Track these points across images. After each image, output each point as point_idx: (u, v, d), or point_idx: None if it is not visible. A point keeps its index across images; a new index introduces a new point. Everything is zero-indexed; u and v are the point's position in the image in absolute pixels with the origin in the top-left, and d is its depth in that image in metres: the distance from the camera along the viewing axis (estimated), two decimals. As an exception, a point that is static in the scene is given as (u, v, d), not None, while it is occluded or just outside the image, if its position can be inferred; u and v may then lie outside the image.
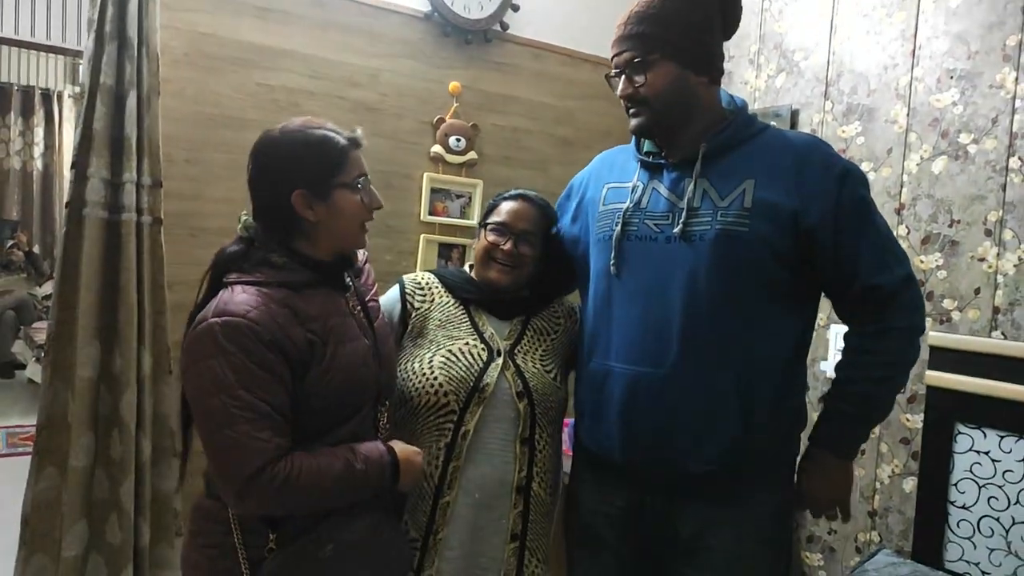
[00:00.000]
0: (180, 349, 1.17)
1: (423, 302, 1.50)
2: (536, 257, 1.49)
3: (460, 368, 1.40)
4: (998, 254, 1.85)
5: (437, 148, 2.46)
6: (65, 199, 1.85)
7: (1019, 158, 1.82)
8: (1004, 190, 1.85)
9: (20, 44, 3.66)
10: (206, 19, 2.07)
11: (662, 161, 1.35)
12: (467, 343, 1.44)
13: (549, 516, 1.48)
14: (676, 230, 1.27)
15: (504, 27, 2.54)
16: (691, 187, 1.28)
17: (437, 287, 1.53)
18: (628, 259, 1.33)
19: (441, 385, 1.39)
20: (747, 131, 1.32)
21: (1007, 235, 1.84)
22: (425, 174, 2.44)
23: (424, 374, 1.40)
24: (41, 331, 5.59)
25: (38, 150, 6.86)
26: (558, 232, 1.54)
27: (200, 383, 1.09)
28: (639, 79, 1.29)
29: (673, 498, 1.32)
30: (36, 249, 6.71)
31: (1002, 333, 1.84)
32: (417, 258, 2.43)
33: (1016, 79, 1.83)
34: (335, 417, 1.20)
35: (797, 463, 1.38)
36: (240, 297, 1.13)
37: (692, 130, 1.31)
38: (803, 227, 1.24)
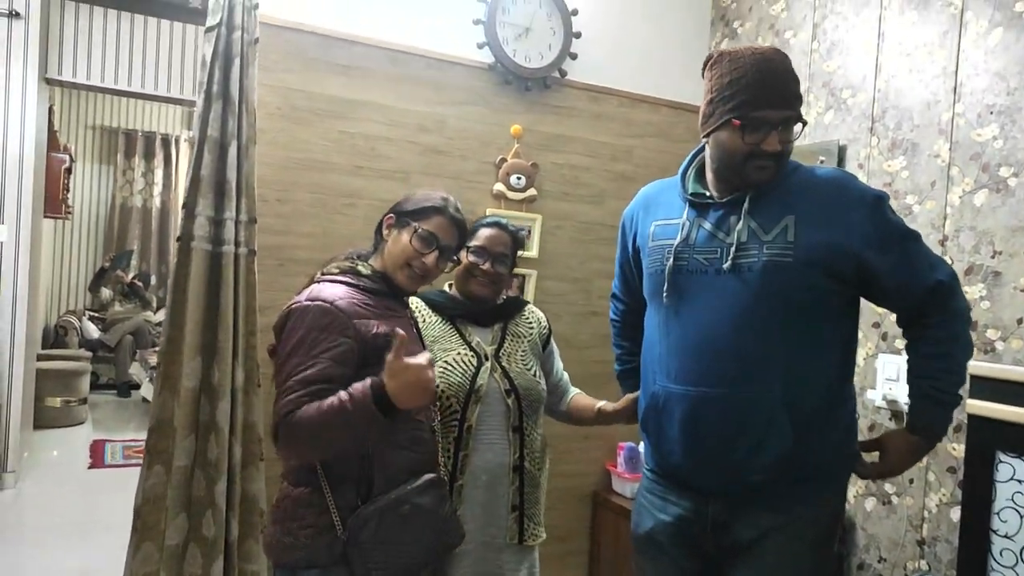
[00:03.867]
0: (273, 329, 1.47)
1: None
2: (508, 273, 1.81)
3: (457, 375, 1.70)
4: (1039, 284, 1.87)
5: (499, 186, 2.67)
6: (176, 234, 2.17)
7: (1057, 190, 1.85)
8: (1043, 221, 1.87)
9: (144, 96, 4.15)
10: (297, 77, 2.37)
11: (709, 200, 1.50)
12: (459, 353, 1.74)
13: (539, 487, 1.80)
14: (727, 264, 1.42)
15: (563, 74, 2.74)
16: (740, 224, 1.43)
17: (424, 309, 1.81)
18: (681, 291, 1.48)
19: (443, 391, 1.68)
20: (788, 171, 1.47)
21: (1048, 266, 1.86)
22: (488, 209, 2.65)
23: None
24: (154, 354, 6.16)
25: (157, 189, 7.58)
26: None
27: (285, 347, 1.39)
28: (786, 137, 1.42)
29: (731, 506, 1.46)
30: (153, 278, 7.38)
31: (1046, 363, 1.85)
32: (480, 287, 2.64)
33: (1052, 113, 1.87)
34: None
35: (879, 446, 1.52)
36: (329, 288, 1.45)
37: None
38: (851, 252, 1.39)
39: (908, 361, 1.50)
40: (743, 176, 1.43)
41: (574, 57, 2.74)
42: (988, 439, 1.87)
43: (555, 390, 1.94)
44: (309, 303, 1.41)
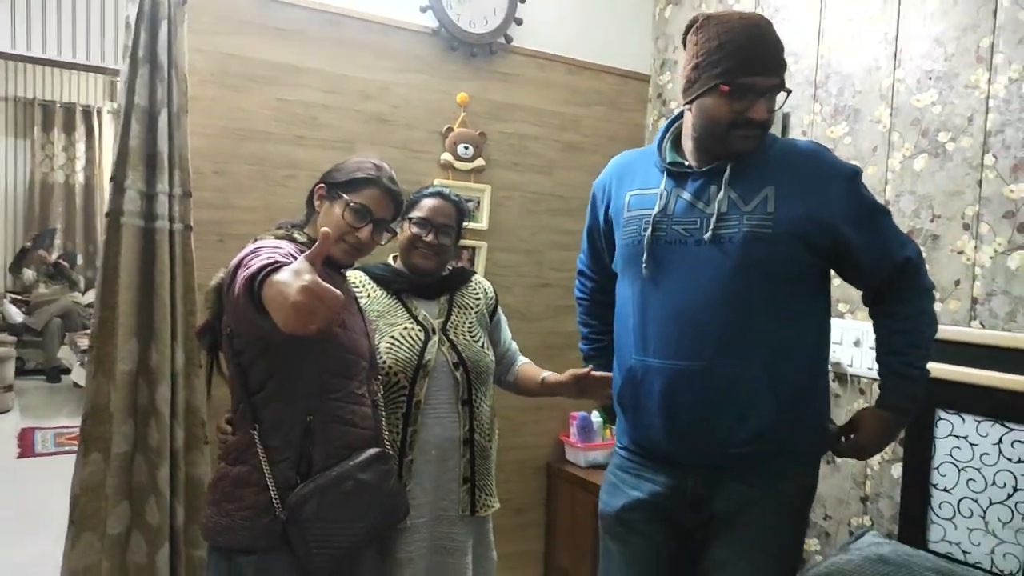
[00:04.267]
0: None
1: (361, 296, 1.74)
2: (453, 245, 1.79)
3: (404, 349, 1.68)
4: (975, 247, 1.94)
5: (447, 156, 2.61)
6: (105, 209, 2.04)
7: (993, 155, 1.90)
8: (980, 186, 1.93)
9: (61, 64, 3.91)
10: (229, 41, 2.25)
11: (688, 170, 1.47)
12: (405, 327, 1.72)
13: (489, 458, 1.82)
14: (707, 234, 1.40)
15: (508, 40, 2.68)
16: (720, 194, 1.40)
17: (368, 283, 1.79)
18: (659, 262, 1.45)
19: (391, 367, 1.66)
20: (765, 142, 1.45)
21: (983, 229, 1.92)
22: (436, 180, 2.58)
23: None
24: (85, 337, 5.89)
25: (80, 164, 7.19)
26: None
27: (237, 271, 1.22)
28: (771, 106, 1.39)
29: (710, 480, 1.46)
30: (79, 258, 7.03)
31: (980, 323, 1.92)
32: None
33: (989, 79, 1.92)
34: (339, 373, 1.42)
35: (852, 421, 1.54)
36: (272, 241, 1.38)
37: None
38: (828, 224, 1.39)
39: (876, 338, 1.52)
40: (726, 145, 1.40)
41: (519, 22, 2.68)
42: (928, 398, 1.93)
43: (502, 360, 1.93)
44: (255, 247, 1.31)
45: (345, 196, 1.47)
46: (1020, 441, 1.77)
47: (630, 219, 1.52)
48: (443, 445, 1.72)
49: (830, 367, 2.24)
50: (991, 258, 1.90)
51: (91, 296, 6.68)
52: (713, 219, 1.40)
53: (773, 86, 1.37)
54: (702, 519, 1.49)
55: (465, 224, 1.85)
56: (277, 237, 1.44)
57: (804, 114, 2.41)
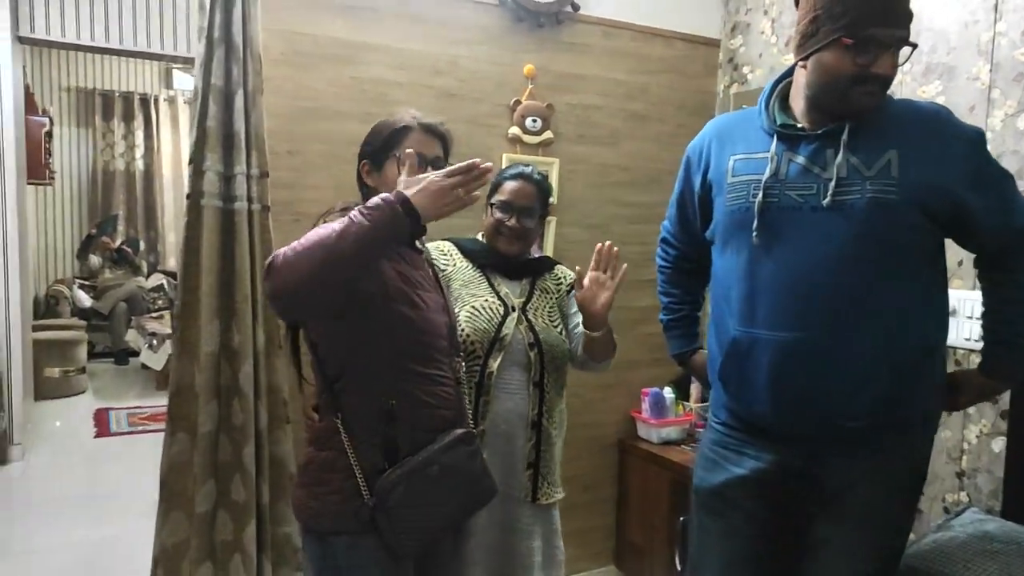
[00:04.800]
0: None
1: (447, 265, 1.77)
2: (538, 224, 1.82)
3: (483, 320, 1.70)
4: (1089, 208, 1.82)
5: (515, 129, 2.56)
6: (185, 192, 2.06)
7: (1110, 109, 1.78)
8: (1095, 143, 1.81)
9: (124, 53, 3.95)
10: (300, 19, 2.23)
11: (800, 132, 1.39)
12: (487, 300, 1.73)
13: (554, 447, 1.80)
14: (826, 200, 1.32)
15: (575, 8, 2.61)
16: (839, 158, 1.33)
17: (456, 253, 1.82)
18: (771, 229, 1.38)
19: (468, 335, 1.67)
20: (884, 103, 1.37)
21: (1098, 189, 1.80)
22: (504, 155, 2.54)
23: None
24: (150, 320, 6.05)
25: (139, 152, 7.35)
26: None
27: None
28: (896, 61, 1.31)
29: (819, 455, 1.41)
30: (141, 244, 7.21)
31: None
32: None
33: (1106, 28, 1.78)
34: (416, 357, 1.39)
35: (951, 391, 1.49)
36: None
37: None
38: (950, 191, 1.32)
39: (985, 304, 1.45)
40: (847, 103, 1.32)
41: (586, -10, 2.60)
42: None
43: (573, 334, 1.90)
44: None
45: (392, 153, 1.43)
46: None
47: (736, 184, 1.45)
48: (512, 421, 1.72)
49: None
50: (1107, 220, 1.78)
51: (154, 280, 6.87)
52: (832, 184, 1.32)
53: (900, 39, 1.29)
54: (807, 495, 1.43)
55: (551, 201, 1.84)
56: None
57: (892, 74, 2.29)
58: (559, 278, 1.90)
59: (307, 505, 1.38)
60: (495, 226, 1.78)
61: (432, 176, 1.24)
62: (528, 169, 1.82)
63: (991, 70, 2.03)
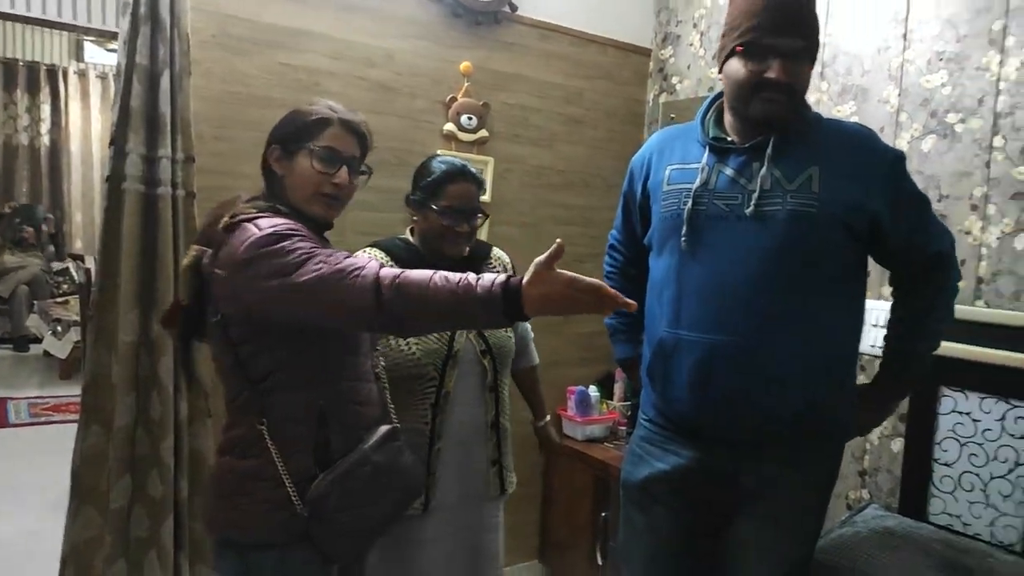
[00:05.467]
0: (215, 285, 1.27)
1: None
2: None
3: (432, 340, 1.64)
4: (982, 227, 1.97)
5: (450, 126, 2.56)
6: (105, 174, 1.96)
7: (1003, 137, 1.93)
8: (988, 167, 1.96)
9: (25, 20, 3.70)
10: (233, 3, 2.16)
11: (730, 145, 1.46)
12: None
13: (510, 438, 1.85)
14: (749, 210, 1.39)
15: (513, 8, 2.63)
16: (763, 170, 1.39)
17: (385, 260, 1.67)
18: (699, 235, 1.44)
19: (420, 358, 1.63)
20: (810, 120, 1.46)
21: (991, 209, 1.95)
22: (438, 151, 2.54)
23: (402, 350, 1.63)
24: (55, 306, 5.72)
25: (45, 126, 6.92)
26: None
27: (274, 270, 1.18)
28: (796, 69, 1.37)
29: (739, 455, 1.46)
30: (45, 225, 6.80)
31: (985, 302, 1.96)
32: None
33: (1000, 62, 1.93)
34: (349, 350, 1.38)
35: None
36: (267, 220, 1.25)
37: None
38: (868, 210, 1.40)
39: (891, 316, 1.55)
40: (754, 109, 1.39)
41: (526, -9, 2.63)
42: (933, 375, 1.97)
43: (518, 341, 1.89)
44: (266, 231, 1.21)
45: (307, 144, 1.33)
46: (1021, 417, 1.82)
47: (670, 192, 1.51)
48: (469, 433, 1.72)
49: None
50: (998, 239, 1.94)
51: (61, 263, 6.49)
52: (755, 195, 1.39)
53: (792, 48, 1.36)
54: (727, 494, 1.50)
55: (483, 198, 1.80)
56: (261, 211, 1.30)
57: (811, 93, 2.40)
58: (496, 268, 1.84)
59: (225, 517, 1.30)
60: (441, 232, 1.68)
61: (566, 279, 1.14)
62: (465, 165, 1.76)
63: (900, 94, 2.17)
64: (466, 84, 2.58)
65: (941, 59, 2.07)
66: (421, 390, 1.65)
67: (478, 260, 1.82)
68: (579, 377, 2.91)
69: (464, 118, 2.57)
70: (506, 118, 2.71)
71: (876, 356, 2.04)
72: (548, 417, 2.08)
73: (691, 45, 2.85)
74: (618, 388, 2.89)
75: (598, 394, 2.87)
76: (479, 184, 1.76)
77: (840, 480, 2.22)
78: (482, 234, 2.62)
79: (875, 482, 2.20)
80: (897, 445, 2.13)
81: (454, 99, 2.56)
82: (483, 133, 2.62)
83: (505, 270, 1.87)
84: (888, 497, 2.15)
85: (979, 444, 1.89)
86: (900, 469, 2.09)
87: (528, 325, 1.97)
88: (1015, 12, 1.91)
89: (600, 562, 2.54)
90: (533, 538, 2.95)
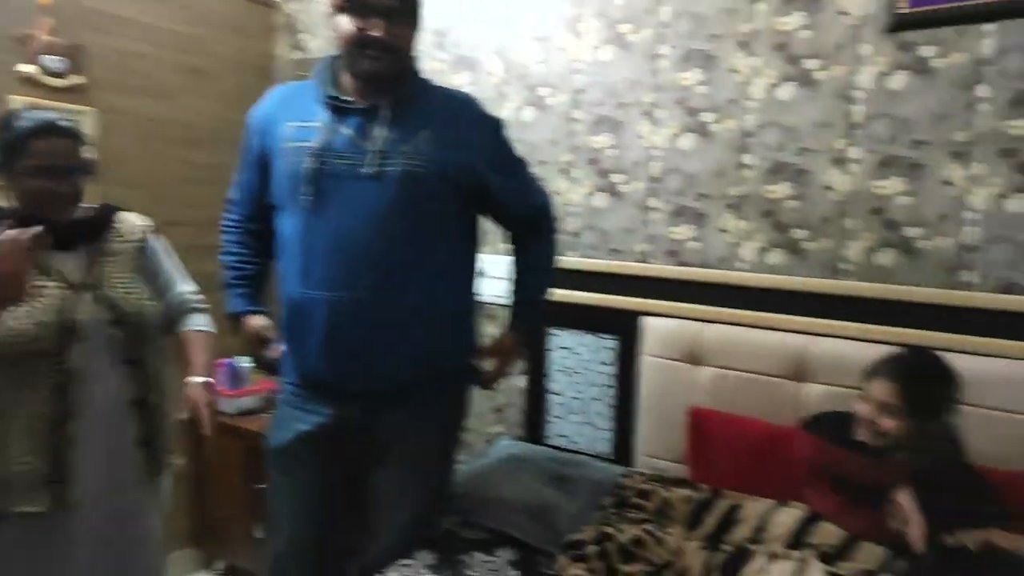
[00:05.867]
0: None
1: None
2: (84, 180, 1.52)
3: (46, 313, 1.43)
4: (568, 188, 2.27)
5: (30, 68, 2.14)
6: None
7: (583, 111, 2.23)
8: (573, 136, 2.26)
9: None
10: None
11: (349, 105, 1.44)
12: (44, 287, 1.45)
13: (166, 417, 1.66)
14: (366, 170, 1.41)
15: (108, -65, 2.27)
16: (379, 131, 1.43)
17: None
18: (320, 194, 1.44)
19: (34, 334, 1.42)
20: (422, 86, 1.53)
21: (577, 173, 2.26)
22: (15, 98, 2.11)
23: (9, 326, 1.41)
24: None
25: None
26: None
27: None
28: (397, 29, 1.41)
29: (372, 408, 1.51)
30: None
31: (580, 254, 2.28)
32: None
33: (578, 46, 2.22)
34: None
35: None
36: None
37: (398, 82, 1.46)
38: (473, 170, 1.50)
39: (512, 268, 1.71)
40: (358, 66, 1.43)
41: (122, -83, 2.28)
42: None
43: (172, 304, 1.70)
44: None
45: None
46: (607, 348, 2.17)
47: (290, 150, 1.47)
48: (109, 410, 1.53)
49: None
50: (584, 197, 2.26)
51: None
52: (372, 156, 1.43)
53: (387, 8, 1.40)
54: (364, 447, 1.55)
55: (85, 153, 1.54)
56: None
57: (429, 62, 2.51)
58: (122, 234, 1.62)
59: None
60: (38, 195, 1.45)
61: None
62: (50, 116, 1.49)
63: (504, 69, 2.38)
64: (48, 19, 2.16)
65: (537, 39, 2.31)
66: (41, 371, 1.45)
67: (100, 226, 1.59)
68: (226, 348, 2.71)
69: (49, 60, 2.17)
70: (111, 65, 2.35)
71: (500, 304, 2.28)
72: (202, 380, 1.74)
73: (320, 2, 2.77)
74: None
75: (252, 364, 2.72)
76: (74, 138, 1.51)
77: (478, 418, 2.47)
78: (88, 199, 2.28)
79: (507, 417, 2.46)
80: (522, 382, 2.40)
81: (31, 36, 2.14)
82: (78, 79, 2.24)
83: (131, 234, 1.63)
84: (518, 429, 2.41)
85: (580, 373, 2.22)
86: (525, 404, 2.36)
87: (179, 280, 1.74)
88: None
89: (258, 536, 2.46)
90: (186, 521, 2.73)
